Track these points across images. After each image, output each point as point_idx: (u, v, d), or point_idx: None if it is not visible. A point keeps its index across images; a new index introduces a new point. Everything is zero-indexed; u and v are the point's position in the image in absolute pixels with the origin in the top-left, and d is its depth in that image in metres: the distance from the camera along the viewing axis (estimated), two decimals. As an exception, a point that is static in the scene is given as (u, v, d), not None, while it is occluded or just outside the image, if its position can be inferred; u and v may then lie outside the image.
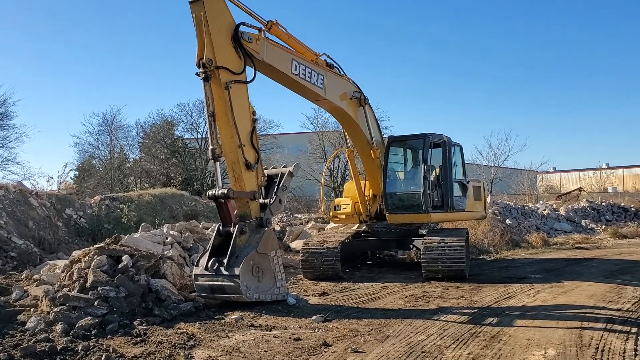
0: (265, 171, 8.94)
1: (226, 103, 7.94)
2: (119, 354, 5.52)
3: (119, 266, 7.62)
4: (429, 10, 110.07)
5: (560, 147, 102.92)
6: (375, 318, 7.17)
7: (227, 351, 5.64)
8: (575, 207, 24.81)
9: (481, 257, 14.64)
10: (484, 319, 7.00)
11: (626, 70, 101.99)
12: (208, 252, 7.93)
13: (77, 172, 34.48)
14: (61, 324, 6.37)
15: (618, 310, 7.41)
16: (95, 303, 6.91)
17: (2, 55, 64.73)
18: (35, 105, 66.55)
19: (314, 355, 5.51)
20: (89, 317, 6.58)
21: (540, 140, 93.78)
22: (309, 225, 17.52)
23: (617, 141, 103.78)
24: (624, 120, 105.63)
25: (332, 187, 34.51)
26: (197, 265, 7.96)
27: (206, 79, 7.77)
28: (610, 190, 45.77)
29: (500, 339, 5.97)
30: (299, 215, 21.88)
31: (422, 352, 5.54)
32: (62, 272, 8.22)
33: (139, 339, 6.08)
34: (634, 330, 6.26)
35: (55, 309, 6.77)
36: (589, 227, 22.61)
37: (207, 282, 7.74)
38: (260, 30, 8.66)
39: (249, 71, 8.37)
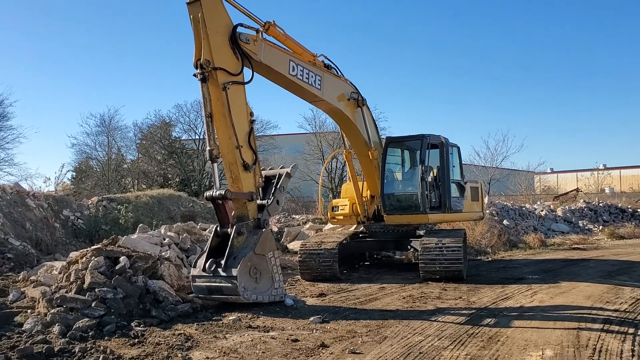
0: (262, 172, 8.94)
1: (224, 104, 7.94)
2: (116, 356, 5.51)
3: (117, 267, 7.60)
4: (427, 10, 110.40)
5: (557, 147, 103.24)
6: (372, 319, 7.17)
7: (224, 352, 5.64)
8: (573, 208, 24.84)
9: (479, 258, 14.66)
10: (481, 319, 7.01)
11: (624, 71, 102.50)
12: (205, 253, 7.92)
13: (74, 173, 34.46)
14: (58, 325, 6.36)
15: (615, 310, 7.43)
16: (93, 304, 6.89)
17: (1, 55, 64.73)
18: (33, 106, 66.66)
19: (311, 356, 5.51)
20: (87, 319, 6.57)
21: (538, 141, 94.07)
22: (307, 226, 17.53)
23: (615, 142, 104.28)
24: (622, 121, 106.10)
25: (330, 188, 34.53)
26: (194, 267, 7.95)
27: (204, 80, 7.77)
28: (607, 191, 45.89)
29: (498, 340, 5.98)
30: (297, 216, 21.88)
31: (420, 353, 5.55)
32: (60, 273, 8.21)
33: (136, 340, 6.07)
34: (631, 330, 6.27)
35: (53, 311, 6.76)
36: (586, 227, 22.64)
37: (205, 283, 7.73)
38: (257, 31, 8.67)
39: (247, 72, 8.38)
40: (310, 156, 38.49)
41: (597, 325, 6.53)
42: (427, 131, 11.63)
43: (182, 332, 6.45)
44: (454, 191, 11.94)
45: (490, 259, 14.56)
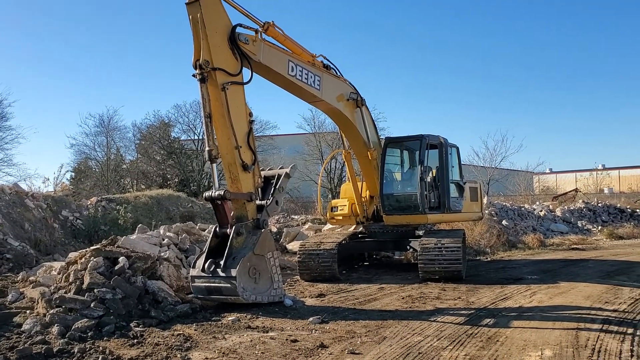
0: (262, 172, 8.93)
1: (223, 104, 7.94)
2: (115, 356, 5.50)
3: (116, 268, 7.59)
4: (428, 10, 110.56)
5: (556, 148, 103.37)
6: (372, 319, 7.17)
7: (224, 353, 5.63)
8: (572, 208, 24.87)
9: (478, 258, 14.66)
10: (480, 320, 7.01)
11: (624, 71, 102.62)
12: (205, 254, 7.92)
13: (73, 174, 34.47)
14: (57, 326, 6.35)
15: (614, 311, 7.43)
16: (92, 305, 6.88)
17: (1, 55, 64.70)
18: (32, 106, 66.65)
19: (310, 356, 5.51)
20: (86, 319, 6.56)
21: (537, 141, 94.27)
22: (306, 226, 17.52)
23: (614, 142, 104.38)
24: (621, 122, 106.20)
25: (329, 189, 34.56)
26: (193, 267, 7.95)
27: (203, 81, 7.77)
28: (606, 191, 45.99)
29: (497, 340, 5.98)
30: (296, 217, 21.87)
31: (419, 353, 5.55)
32: (59, 273, 8.20)
33: (135, 340, 6.06)
34: (630, 330, 6.28)
35: (52, 311, 6.75)
36: (585, 228, 22.66)
37: (204, 284, 7.73)
38: (256, 31, 8.67)
39: (246, 72, 8.37)
40: (309, 156, 38.52)
41: (596, 326, 6.54)
42: (427, 131, 11.66)
43: (181, 332, 6.44)
44: (453, 191, 11.95)
45: (489, 259, 14.56)
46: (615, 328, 6.41)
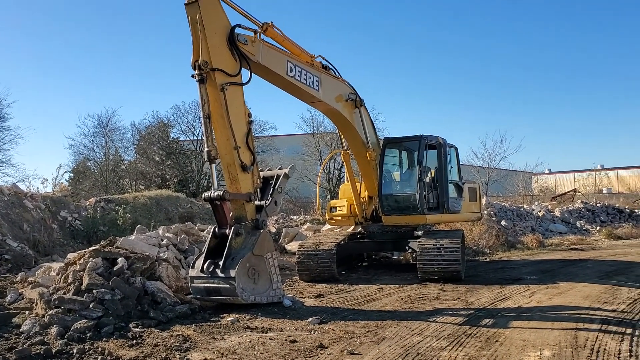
0: (261, 173, 8.93)
1: (222, 105, 7.94)
2: (114, 357, 5.50)
3: (115, 268, 7.59)
4: (427, 10, 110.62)
5: (555, 148, 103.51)
6: (371, 320, 7.17)
7: (223, 353, 5.63)
8: (570, 209, 24.89)
9: (477, 258, 14.67)
10: (479, 320, 7.02)
11: (623, 71, 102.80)
12: (204, 254, 7.92)
13: (72, 174, 34.43)
14: (56, 326, 6.34)
15: (613, 311, 7.44)
16: (91, 306, 6.88)
17: (1, 55, 64.65)
18: (31, 107, 66.55)
19: (309, 357, 5.51)
20: (84, 320, 6.55)
21: (536, 141, 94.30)
22: (305, 227, 17.52)
23: (612, 142, 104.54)
24: (620, 122, 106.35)
25: (328, 189, 34.57)
26: (192, 268, 7.94)
27: (202, 81, 7.77)
28: (605, 191, 46.06)
29: (496, 340, 5.99)
30: (295, 217, 21.86)
31: (418, 353, 5.55)
32: (57, 274, 8.19)
33: (134, 341, 6.06)
34: (629, 331, 6.29)
35: (50, 312, 6.74)
36: (584, 228, 22.69)
37: (203, 284, 7.72)
38: (255, 32, 8.67)
39: (245, 73, 8.37)
40: (308, 157, 38.53)
41: (595, 326, 6.55)
42: (426, 132, 11.66)
43: (180, 333, 6.44)
44: (452, 192, 11.96)
45: (488, 259, 14.57)
46: (614, 328, 6.42)
